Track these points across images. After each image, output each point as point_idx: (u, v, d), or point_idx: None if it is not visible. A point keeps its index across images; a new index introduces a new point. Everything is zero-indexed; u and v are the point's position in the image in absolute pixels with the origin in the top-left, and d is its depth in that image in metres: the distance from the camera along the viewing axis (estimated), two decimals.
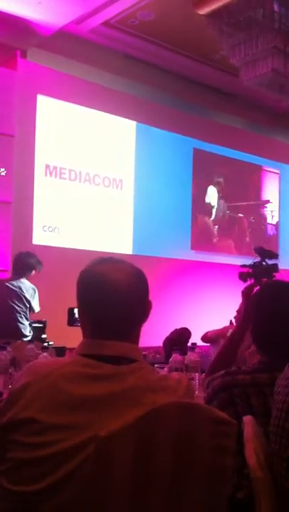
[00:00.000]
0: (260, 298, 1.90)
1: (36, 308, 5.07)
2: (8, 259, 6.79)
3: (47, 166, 7.21)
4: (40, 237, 7.04)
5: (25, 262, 5.07)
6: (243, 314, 2.20)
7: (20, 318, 4.97)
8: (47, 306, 5.38)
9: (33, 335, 4.78)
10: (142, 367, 1.30)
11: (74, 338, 1.74)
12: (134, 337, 1.35)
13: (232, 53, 7.22)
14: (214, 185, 8.99)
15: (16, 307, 4.96)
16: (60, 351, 2.89)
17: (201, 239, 8.82)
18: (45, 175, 7.20)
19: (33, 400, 1.22)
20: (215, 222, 9.07)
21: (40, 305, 5.32)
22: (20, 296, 5.00)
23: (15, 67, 6.95)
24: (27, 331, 4.95)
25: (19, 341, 3.11)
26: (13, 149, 6.83)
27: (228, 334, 2.26)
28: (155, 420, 1.16)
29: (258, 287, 2.16)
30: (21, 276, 5.03)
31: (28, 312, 5.03)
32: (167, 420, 1.18)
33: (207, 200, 8.95)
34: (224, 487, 1.24)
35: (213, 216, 9.03)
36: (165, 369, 2.59)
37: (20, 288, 5.02)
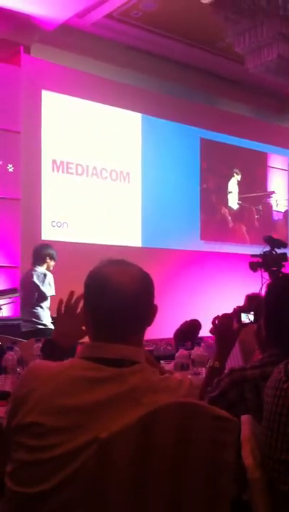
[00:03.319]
0: (270, 292, 1.90)
1: (48, 292, 5.13)
2: (18, 256, 6.83)
3: (54, 161, 7.22)
4: (49, 232, 7.06)
5: (37, 253, 5.20)
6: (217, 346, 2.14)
7: (32, 305, 5.08)
8: (57, 302, 5.40)
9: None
10: (143, 368, 1.30)
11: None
12: (137, 340, 1.35)
13: (237, 41, 7.17)
14: (235, 175, 9.20)
15: (30, 295, 5.09)
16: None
17: (215, 227, 8.90)
18: (52, 170, 7.21)
19: (37, 404, 1.24)
20: (230, 210, 9.18)
21: (50, 301, 5.34)
22: (31, 284, 5.11)
23: (19, 63, 6.95)
24: (43, 317, 5.00)
25: (26, 340, 3.14)
26: (19, 146, 6.85)
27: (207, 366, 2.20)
28: (156, 420, 1.17)
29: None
30: (34, 266, 5.15)
31: (40, 298, 5.09)
32: (168, 420, 1.19)
33: (230, 188, 9.18)
34: (226, 484, 1.25)
35: (230, 204, 9.18)
36: (171, 364, 2.60)
37: (32, 276, 5.12)
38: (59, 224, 7.18)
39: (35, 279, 5.08)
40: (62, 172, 7.29)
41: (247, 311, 2.25)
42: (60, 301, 1.94)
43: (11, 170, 6.82)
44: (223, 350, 2.03)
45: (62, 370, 1.29)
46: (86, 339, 1.81)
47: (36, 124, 7.04)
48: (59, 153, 7.26)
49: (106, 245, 7.28)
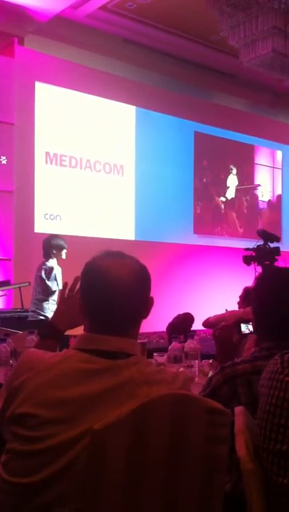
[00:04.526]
0: (259, 284, 1.90)
1: (53, 287, 5.10)
2: (11, 248, 6.82)
3: (47, 154, 7.20)
4: (42, 225, 7.04)
5: (43, 247, 5.18)
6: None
7: (37, 298, 5.08)
8: None
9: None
10: (138, 361, 1.30)
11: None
12: (133, 333, 1.35)
13: (231, 34, 7.14)
14: (231, 171, 9.40)
15: (37, 287, 5.09)
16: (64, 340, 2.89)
17: (208, 215, 8.99)
18: (46, 162, 7.18)
19: (31, 395, 1.24)
20: (225, 200, 9.35)
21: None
22: (37, 277, 5.11)
23: (12, 54, 6.92)
24: (46, 309, 5.00)
25: (20, 332, 3.13)
26: (13, 138, 6.82)
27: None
28: (149, 412, 1.17)
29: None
30: (44, 259, 5.14)
31: (44, 291, 5.08)
32: (161, 412, 1.19)
33: (228, 183, 9.39)
34: (219, 476, 1.25)
35: (227, 195, 9.37)
36: (164, 357, 2.60)
37: (39, 269, 5.12)
38: (52, 216, 7.16)
39: (42, 273, 5.09)
40: (56, 164, 7.27)
41: (246, 322, 2.24)
42: (65, 285, 1.94)
43: (4, 162, 6.79)
44: (224, 361, 2.02)
45: (57, 362, 1.29)
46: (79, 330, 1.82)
47: (30, 116, 7.01)
48: (52, 146, 7.23)
49: (99, 238, 7.27)
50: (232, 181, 9.46)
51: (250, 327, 2.19)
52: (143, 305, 1.37)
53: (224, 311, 4.58)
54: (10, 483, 1.21)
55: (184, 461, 1.21)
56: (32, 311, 5.10)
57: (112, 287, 1.31)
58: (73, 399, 1.21)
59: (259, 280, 1.97)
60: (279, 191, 10.24)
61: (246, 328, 2.21)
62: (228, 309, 4.56)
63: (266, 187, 10.05)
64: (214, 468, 1.24)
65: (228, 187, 9.40)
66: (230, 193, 9.45)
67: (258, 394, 1.30)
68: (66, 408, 1.21)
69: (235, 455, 1.23)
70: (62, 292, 1.94)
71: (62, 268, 5.12)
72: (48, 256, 5.13)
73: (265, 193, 10.05)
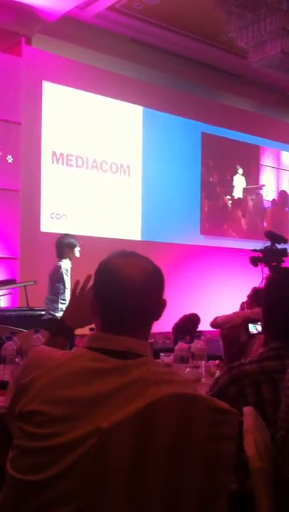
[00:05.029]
0: (269, 285, 1.89)
1: (59, 286, 5.09)
2: (16, 247, 6.82)
3: (53, 153, 7.20)
4: (48, 224, 7.04)
5: (56, 248, 5.16)
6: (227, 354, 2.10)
7: (47, 298, 5.08)
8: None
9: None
10: (148, 361, 1.29)
11: None
12: (144, 334, 1.34)
13: (240, 35, 7.15)
14: (238, 171, 9.45)
15: (48, 285, 5.10)
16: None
17: (215, 219, 8.99)
18: (52, 162, 7.18)
19: (40, 393, 1.23)
20: (232, 198, 9.38)
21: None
22: (49, 277, 5.10)
23: (20, 53, 6.92)
24: (55, 308, 5.00)
25: (26, 331, 3.13)
26: (19, 137, 6.82)
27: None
28: (156, 411, 1.16)
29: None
30: (58, 259, 5.12)
31: (52, 290, 5.08)
32: (167, 411, 1.17)
33: (235, 183, 9.43)
34: (224, 475, 1.24)
35: (234, 193, 9.39)
36: (171, 357, 2.59)
37: (53, 269, 5.10)
38: (58, 216, 7.16)
39: (51, 273, 5.09)
40: (62, 164, 7.27)
41: (254, 322, 2.22)
42: (76, 283, 1.94)
43: (10, 161, 6.80)
44: (231, 362, 2.01)
45: (67, 360, 1.28)
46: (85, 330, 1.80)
47: (37, 116, 7.01)
48: (59, 145, 7.23)
49: (105, 238, 7.26)
50: (238, 181, 9.45)
51: (259, 327, 2.18)
52: (155, 306, 1.35)
53: (238, 308, 4.57)
54: (16, 480, 1.21)
55: (189, 460, 1.20)
56: (44, 310, 5.13)
57: (125, 286, 1.30)
58: (82, 398, 1.21)
59: (269, 280, 1.96)
60: (285, 192, 10.22)
61: (254, 329, 2.20)
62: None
63: (271, 187, 10.05)
64: (219, 467, 1.23)
65: (234, 187, 9.39)
66: (237, 193, 9.44)
67: (281, 390, 1.29)
68: (74, 407, 1.20)
69: (242, 454, 1.22)
70: (73, 290, 1.93)
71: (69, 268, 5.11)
72: (60, 256, 5.12)
73: (269, 193, 10.06)
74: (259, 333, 2.17)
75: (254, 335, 2.15)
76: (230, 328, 2.05)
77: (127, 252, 1.37)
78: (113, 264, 1.33)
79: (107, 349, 1.27)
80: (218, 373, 2.12)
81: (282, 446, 1.25)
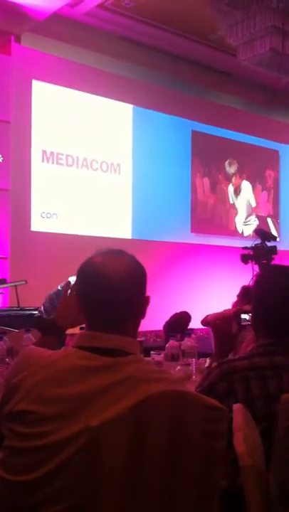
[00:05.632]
0: (259, 281, 1.89)
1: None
2: (7, 247, 6.80)
3: (44, 152, 7.18)
4: (39, 223, 7.02)
5: None
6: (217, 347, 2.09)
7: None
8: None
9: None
10: (137, 359, 1.29)
11: None
12: (131, 331, 1.34)
13: (229, 33, 7.16)
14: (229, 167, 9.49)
15: None
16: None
17: (205, 217, 9.02)
18: (42, 161, 7.16)
19: (30, 392, 1.23)
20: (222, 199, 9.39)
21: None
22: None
23: (9, 52, 6.89)
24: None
25: (17, 330, 3.12)
26: (9, 136, 6.80)
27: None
28: (147, 409, 1.16)
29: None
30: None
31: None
32: (159, 408, 1.18)
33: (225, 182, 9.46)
34: (217, 471, 1.24)
35: (223, 194, 9.42)
36: (162, 355, 2.60)
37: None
38: (49, 215, 7.15)
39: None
40: (53, 163, 7.25)
41: (246, 312, 2.21)
42: (67, 284, 1.95)
43: (0, 160, 6.77)
44: (222, 352, 2.01)
45: (56, 359, 1.28)
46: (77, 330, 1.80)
47: (26, 114, 6.99)
48: (49, 144, 7.21)
49: (96, 237, 7.25)
50: (229, 179, 9.46)
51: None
52: (138, 303, 1.36)
53: (229, 305, 4.57)
54: (7, 481, 1.20)
55: (182, 457, 1.20)
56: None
57: (106, 284, 1.30)
58: (72, 396, 1.21)
59: (259, 277, 1.97)
60: (276, 190, 10.25)
61: (247, 317, 2.19)
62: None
63: (263, 186, 10.09)
64: (213, 464, 1.23)
65: (226, 185, 9.40)
66: (228, 191, 9.45)
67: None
68: (65, 405, 1.20)
69: (232, 451, 1.23)
70: (64, 290, 1.94)
71: (58, 267, 5.10)
72: None
73: (259, 191, 10.11)
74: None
75: (245, 326, 2.15)
76: (222, 319, 2.05)
77: (108, 250, 1.38)
78: (94, 262, 1.34)
79: (96, 347, 1.27)
80: (208, 362, 2.12)
81: None
